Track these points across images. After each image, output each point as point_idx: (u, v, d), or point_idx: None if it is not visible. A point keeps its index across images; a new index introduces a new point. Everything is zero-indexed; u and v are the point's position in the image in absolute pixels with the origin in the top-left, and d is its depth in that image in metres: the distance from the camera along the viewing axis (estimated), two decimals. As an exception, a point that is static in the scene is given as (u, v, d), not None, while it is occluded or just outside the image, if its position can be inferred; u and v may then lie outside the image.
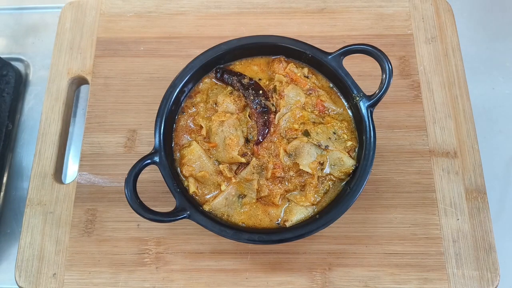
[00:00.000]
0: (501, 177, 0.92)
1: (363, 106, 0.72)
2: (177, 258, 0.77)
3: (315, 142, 0.72)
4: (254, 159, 0.73)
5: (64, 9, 0.96)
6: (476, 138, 0.84)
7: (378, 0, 0.96)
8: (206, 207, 0.71)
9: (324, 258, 0.76)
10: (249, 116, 0.75)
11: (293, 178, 0.73)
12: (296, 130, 0.73)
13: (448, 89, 0.88)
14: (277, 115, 0.74)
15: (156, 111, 0.73)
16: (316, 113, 0.76)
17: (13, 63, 1.00)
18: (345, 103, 0.77)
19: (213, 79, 0.79)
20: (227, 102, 0.76)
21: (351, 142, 0.74)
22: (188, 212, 0.67)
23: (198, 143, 0.74)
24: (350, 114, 0.77)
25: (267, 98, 0.75)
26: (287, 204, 0.72)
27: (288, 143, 0.73)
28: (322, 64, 0.76)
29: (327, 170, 0.72)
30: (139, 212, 0.65)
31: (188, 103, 0.78)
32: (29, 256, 0.77)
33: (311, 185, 0.72)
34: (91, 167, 0.83)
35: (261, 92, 0.75)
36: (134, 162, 0.68)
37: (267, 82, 0.78)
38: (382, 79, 0.71)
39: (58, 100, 0.88)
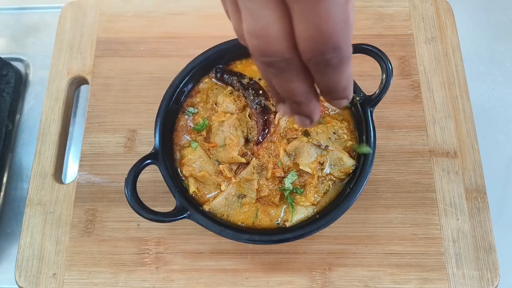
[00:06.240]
0: (501, 177, 0.92)
1: (363, 106, 0.72)
2: (177, 258, 0.77)
3: (315, 142, 0.72)
4: (254, 159, 0.73)
5: (64, 9, 0.96)
6: (476, 138, 0.84)
7: (378, 0, 0.95)
8: (206, 207, 0.71)
9: (324, 258, 0.76)
10: (249, 116, 0.75)
11: (293, 178, 0.73)
12: (296, 130, 0.73)
13: (448, 89, 0.88)
14: (277, 115, 0.74)
15: (156, 111, 0.73)
16: (316, 113, 0.76)
17: (13, 63, 1.00)
18: (345, 103, 0.77)
19: (213, 79, 0.79)
20: (227, 102, 0.75)
21: (351, 142, 0.74)
22: (188, 212, 0.67)
23: (198, 143, 0.74)
24: (350, 114, 0.77)
25: (267, 98, 0.75)
26: (287, 204, 0.72)
27: (288, 143, 0.73)
28: (322, 64, 0.76)
29: (327, 170, 0.72)
30: (139, 212, 0.65)
31: (188, 102, 0.78)
32: (29, 256, 0.77)
33: (311, 185, 0.71)
34: (91, 167, 0.83)
35: (261, 92, 0.75)
36: (134, 162, 0.67)
37: (267, 82, 0.78)
38: (382, 79, 0.71)
39: (58, 100, 0.88)
